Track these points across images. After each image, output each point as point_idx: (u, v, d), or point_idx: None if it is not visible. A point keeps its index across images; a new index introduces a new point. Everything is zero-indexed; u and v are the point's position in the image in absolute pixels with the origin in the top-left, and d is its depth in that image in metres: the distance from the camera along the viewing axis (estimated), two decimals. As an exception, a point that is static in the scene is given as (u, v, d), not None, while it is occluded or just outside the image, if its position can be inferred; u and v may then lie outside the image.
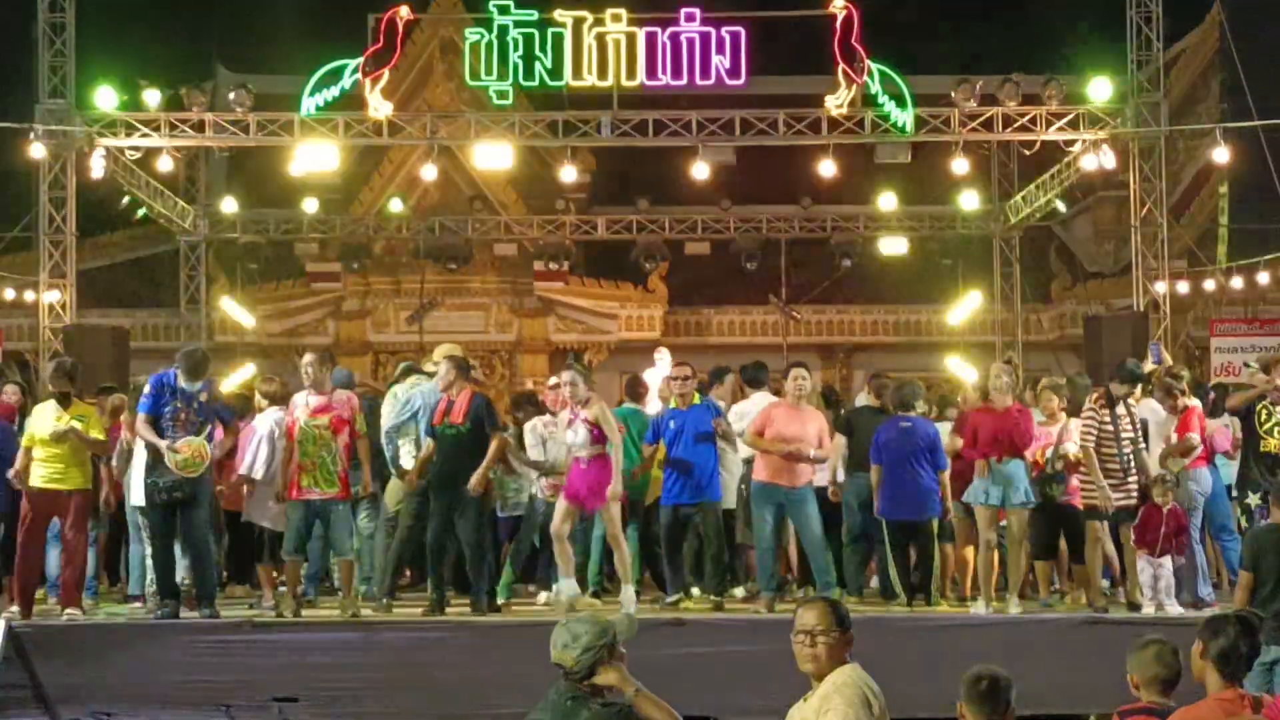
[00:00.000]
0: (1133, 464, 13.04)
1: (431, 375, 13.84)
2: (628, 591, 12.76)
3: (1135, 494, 13.08)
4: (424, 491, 13.12)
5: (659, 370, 17.64)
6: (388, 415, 13.82)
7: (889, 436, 13.52)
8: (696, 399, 13.53)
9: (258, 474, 13.53)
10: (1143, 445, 13.24)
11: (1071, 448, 13.25)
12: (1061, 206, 24.52)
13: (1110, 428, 13.03)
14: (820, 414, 13.68)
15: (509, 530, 15.05)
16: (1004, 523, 13.19)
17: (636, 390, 14.74)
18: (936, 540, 13.54)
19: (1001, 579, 13.46)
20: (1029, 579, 14.10)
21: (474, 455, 12.88)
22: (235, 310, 27.01)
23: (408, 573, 14.65)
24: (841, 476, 13.88)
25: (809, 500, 13.16)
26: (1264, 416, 13.58)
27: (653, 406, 14.88)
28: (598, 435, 12.62)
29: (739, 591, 14.38)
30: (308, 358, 13.20)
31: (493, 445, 12.89)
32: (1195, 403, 14.21)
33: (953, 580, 14.05)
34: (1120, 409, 13.10)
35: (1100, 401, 13.15)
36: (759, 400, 14.27)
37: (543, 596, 13.93)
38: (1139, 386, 13.63)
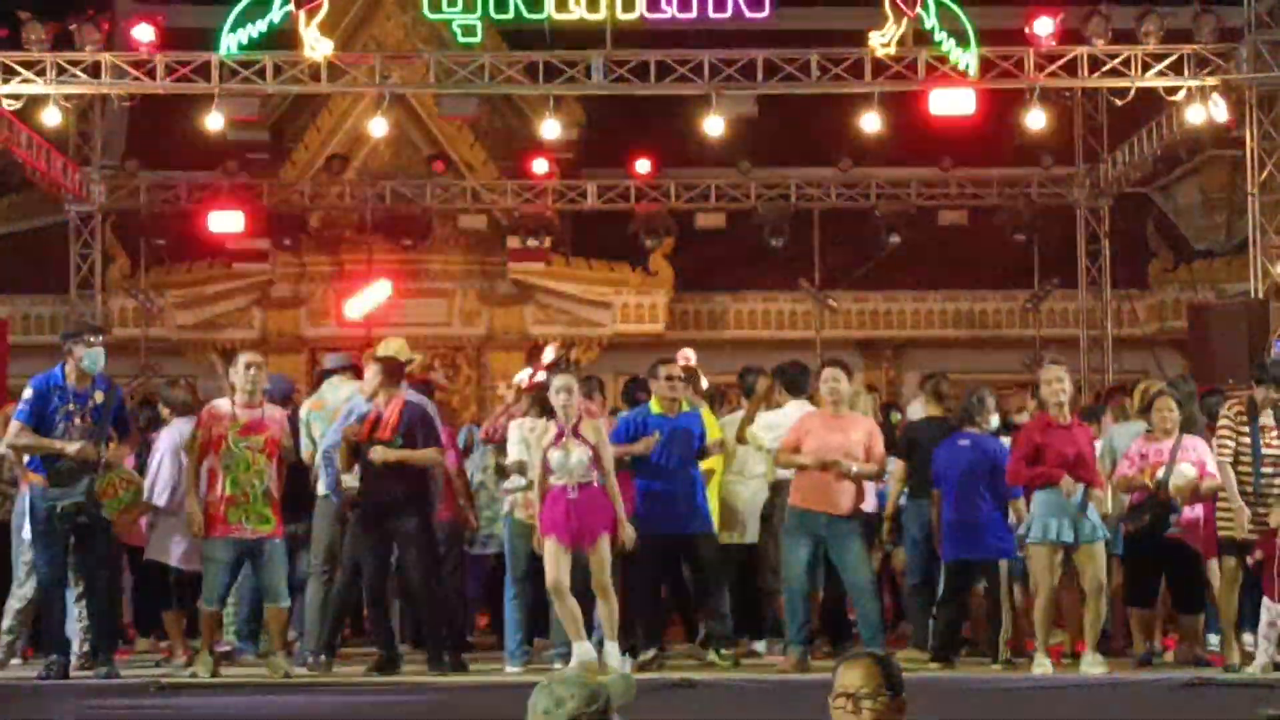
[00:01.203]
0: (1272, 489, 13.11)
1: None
2: (611, 649, 12.81)
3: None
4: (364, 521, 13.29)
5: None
6: (312, 426, 13.97)
7: (944, 457, 13.84)
8: (686, 405, 13.77)
9: (160, 501, 13.61)
10: None
11: (1190, 470, 13.41)
12: (1163, 170, 24.46)
13: (1249, 442, 13.18)
14: (867, 420, 13.86)
15: (482, 572, 15.34)
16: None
17: (638, 396, 14.82)
18: (1007, 587, 13.78)
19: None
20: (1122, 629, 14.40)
21: (410, 480, 13.14)
22: None
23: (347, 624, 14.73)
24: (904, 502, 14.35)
25: (854, 532, 13.26)
26: None
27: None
28: (595, 459, 12.78)
29: (760, 646, 14.57)
30: (249, 358, 13.31)
31: (425, 452, 13.12)
32: None
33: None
34: (1267, 419, 13.25)
35: (1240, 409, 13.32)
36: (792, 410, 14.35)
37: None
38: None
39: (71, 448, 12.39)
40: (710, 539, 13.65)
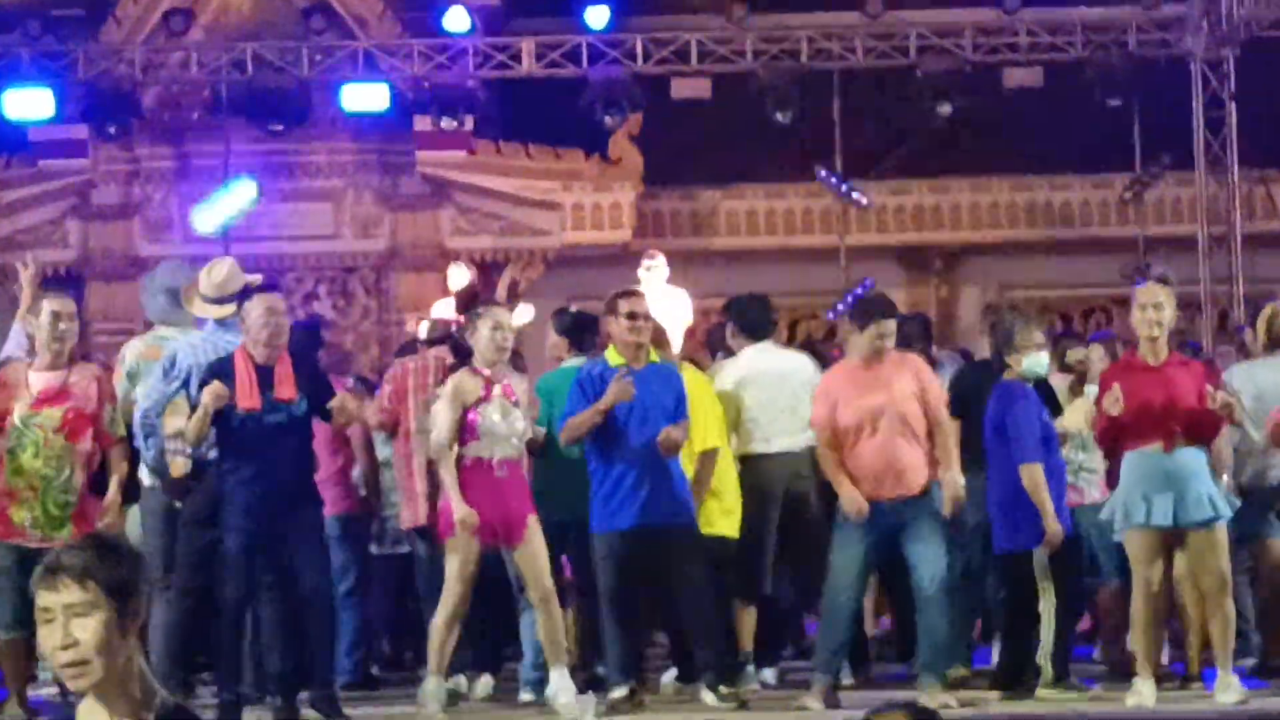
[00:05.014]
0: None
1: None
2: (560, 677, 13.17)
3: None
4: (204, 517, 13.37)
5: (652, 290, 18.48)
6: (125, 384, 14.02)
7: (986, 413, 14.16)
8: (653, 356, 13.76)
9: None
10: None
11: None
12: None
13: None
14: (911, 358, 14.14)
15: (391, 575, 15.82)
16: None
17: (582, 333, 14.91)
18: (1049, 581, 13.90)
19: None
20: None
21: (305, 460, 13.48)
22: None
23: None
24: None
25: (931, 513, 13.53)
26: None
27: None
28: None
29: (768, 674, 14.87)
30: (56, 305, 13.20)
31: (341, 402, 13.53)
32: None
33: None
34: None
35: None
36: (753, 357, 14.92)
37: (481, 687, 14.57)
38: None
39: None
40: (692, 533, 13.71)
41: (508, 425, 13.06)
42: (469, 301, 16.59)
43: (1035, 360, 13.88)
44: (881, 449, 13.37)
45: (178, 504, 13.67)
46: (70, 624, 5.51)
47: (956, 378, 15.34)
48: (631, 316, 13.60)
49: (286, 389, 13.05)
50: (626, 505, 13.46)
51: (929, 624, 13.53)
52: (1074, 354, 15.20)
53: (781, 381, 14.97)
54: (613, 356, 13.66)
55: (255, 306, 13.16)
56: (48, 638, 5.61)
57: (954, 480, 13.49)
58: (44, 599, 5.63)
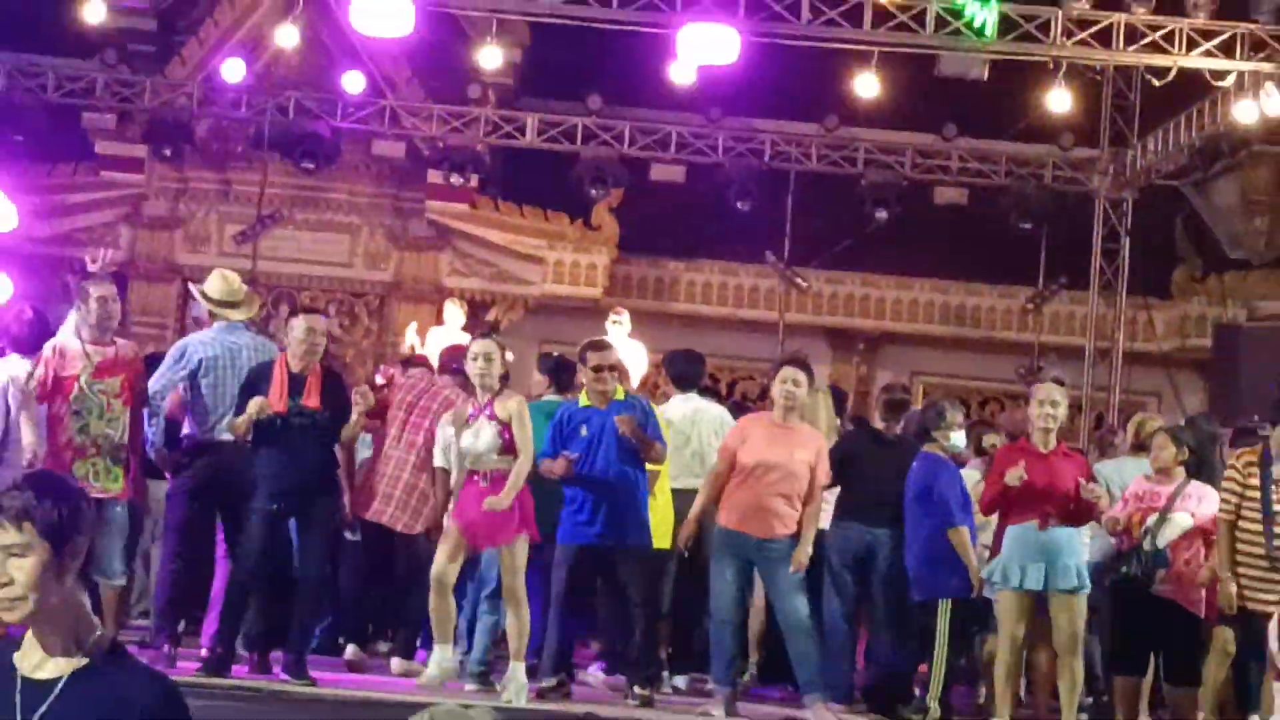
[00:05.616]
0: None
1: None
2: (517, 672, 13.17)
3: None
4: (197, 491, 13.73)
5: (616, 341, 18.37)
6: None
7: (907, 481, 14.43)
8: (620, 394, 13.93)
9: None
10: None
11: (1184, 520, 13.69)
12: (1199, 163, 24.57)
13: (1258, 495, 13.36)
14: (818, 437, 14.10)
15: (358, 559, 15.51)
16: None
17: (562, 375, 15.02)
18: (944, 632, 14.02)
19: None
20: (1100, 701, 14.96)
21: (327, 453, 13.75)
22: None
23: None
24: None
25: (788, 559, 13.55)
26: None
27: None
28: (509, 442, 13.11)
29: (679, 681, 15.14)
30: (101, 290, 13.43)
31: (349, 428, 13.61)
32: None
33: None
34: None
35: (1250, 458, 13.50)
36: (676, 405, 15.25)
37: (396, 665, 14.73)
38: None
39: None
40: (637, 555, 13.89)
41: (479, 443, 13.00)
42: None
43: (959, 436, 14.38)
44: (762, 494, 13.36)
45: (166, 476, 14.05)
46: (7, 563, 5.08)
47: (844, 439, 15.39)
48: (597, 369, 13.75)
49: (313, 398, 13.20)
50: (588, 524, 13.63)
51: (799, 651, 13.54)
52: (989, 438, 15.70)
53: (692, 428, 15.25)
54: (584, 399, 13.86)
55: (300, 324, 13.34)
56: None
57: (806, 550, 13.43)
58: None
